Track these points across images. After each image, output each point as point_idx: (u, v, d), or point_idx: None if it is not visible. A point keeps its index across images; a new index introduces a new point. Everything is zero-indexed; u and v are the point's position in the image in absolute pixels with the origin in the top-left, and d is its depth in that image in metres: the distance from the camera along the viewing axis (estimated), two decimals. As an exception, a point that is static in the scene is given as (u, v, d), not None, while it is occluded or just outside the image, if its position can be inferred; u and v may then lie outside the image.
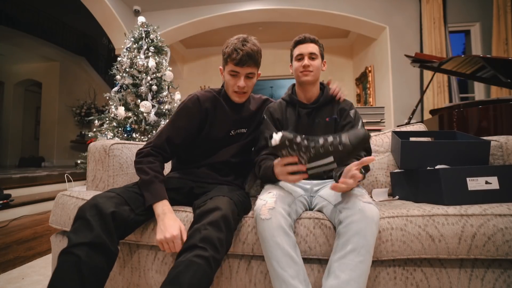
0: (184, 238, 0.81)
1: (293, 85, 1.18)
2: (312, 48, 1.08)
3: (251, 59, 0.97)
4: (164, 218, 0.84)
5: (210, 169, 1.09)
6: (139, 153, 0.99)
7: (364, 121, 1.70)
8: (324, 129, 1.09)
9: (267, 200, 0.81)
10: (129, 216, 0.81)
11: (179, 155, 1.16)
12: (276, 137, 0.80)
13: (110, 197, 0.81)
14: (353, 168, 0.77)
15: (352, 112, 1.10)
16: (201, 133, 1.07)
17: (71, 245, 0.69)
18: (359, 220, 0.73)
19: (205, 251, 0.70)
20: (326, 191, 0.96)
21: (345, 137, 0.77)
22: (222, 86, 1.14)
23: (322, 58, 1.12)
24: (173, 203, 0.99)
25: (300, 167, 0.82)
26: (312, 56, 1.08)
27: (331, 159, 0.78)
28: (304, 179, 0.84)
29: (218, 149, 1.10)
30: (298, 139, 0.80)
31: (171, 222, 0.84)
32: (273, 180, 0.94)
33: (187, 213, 0.94)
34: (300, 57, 1.09)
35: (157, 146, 1.00)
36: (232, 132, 1.10)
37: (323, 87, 1.16)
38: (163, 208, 0.86)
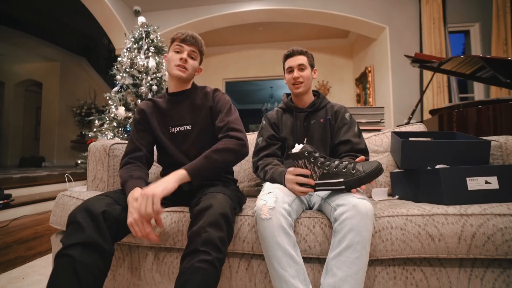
0: (158, 221, 0.82)
1: (287, 94, 1.30)
2: (300, 60, 1.16)
3: (195, 39, 1.06)
4: (132, 202, 0.81)
5: None
6: (120, 165, 1.02)
7: (364, 121, 1.70)
8: (320, 129, 1.16)
9: (267, 200, 0.81)
10: (120, 214, 0.80)
11: (160, 163, 1.16)
12: (298, 146, 0.87)
13: (100, 198, 0.81)
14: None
15: (347, 115, 1.17)
16: (155, 137, 1.09)
17: (64, 247, 0.70)
18: (353, 216, 0.74)
19: (208, 255, 0.70)
20: None
21: (359, 165, 0.82)
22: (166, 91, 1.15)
23: (312, 67, 1.21)
24: (169, 204, 1.00)
25: (310, 180, 0.86)
26: (301, 67, 1.17)
27: (341, 180, 0.82)
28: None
29: (181, 154, 1.06)
30: (317, 154, 0.86)
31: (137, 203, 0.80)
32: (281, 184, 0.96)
33: (185, 213, 0.94)
34: (290, 70, 1.18)
35: (129, 153, 1.03)
36: (171, 129, 1.08)
37: (318, 93, 1.26)
38: (132, 194, 0.83)
